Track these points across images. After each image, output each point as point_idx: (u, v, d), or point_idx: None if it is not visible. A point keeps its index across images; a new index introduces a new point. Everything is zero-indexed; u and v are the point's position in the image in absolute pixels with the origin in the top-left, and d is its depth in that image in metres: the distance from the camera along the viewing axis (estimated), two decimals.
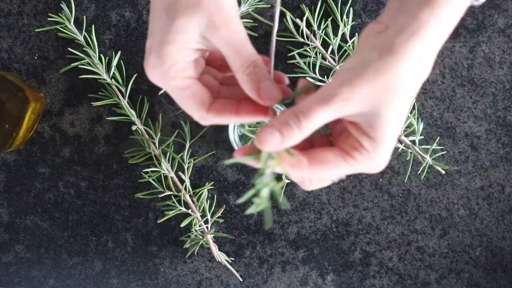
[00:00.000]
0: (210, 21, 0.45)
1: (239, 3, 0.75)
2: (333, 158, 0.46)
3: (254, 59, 0.46)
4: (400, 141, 0.76)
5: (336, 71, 0.45)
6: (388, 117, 0.44)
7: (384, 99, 0.44)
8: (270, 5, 0.76)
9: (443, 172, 0.76)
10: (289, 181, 0.77)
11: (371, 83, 0.43)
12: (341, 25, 0.74)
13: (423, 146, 0.75)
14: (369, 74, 0.43)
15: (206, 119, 0.48)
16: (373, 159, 0.45)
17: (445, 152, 0.76)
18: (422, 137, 0.76)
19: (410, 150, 0.75)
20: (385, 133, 0.45)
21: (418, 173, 0.76)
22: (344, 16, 0.75)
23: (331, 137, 0.50)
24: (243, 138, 0.75)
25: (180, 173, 0.76)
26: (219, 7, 0.45)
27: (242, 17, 0.75)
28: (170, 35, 0.45)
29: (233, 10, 0.46)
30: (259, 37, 0.76)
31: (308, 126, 0.44)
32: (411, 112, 0.75)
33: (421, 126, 0.75)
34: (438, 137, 0.76)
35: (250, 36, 0.75)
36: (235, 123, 0.72)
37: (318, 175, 0.46)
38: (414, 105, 0.76)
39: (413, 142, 0.75)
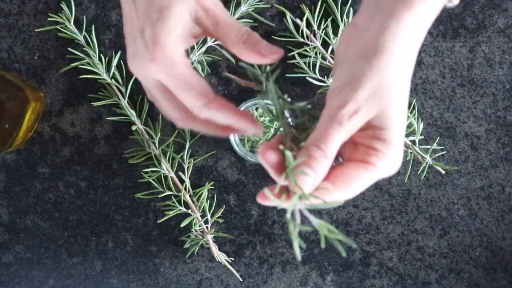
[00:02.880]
0: (200, 5, 0.46)
1: (239, 3, 0.75)
2: (354, 172, 0.45)
3: (246, 29, 0.47)
4: None
5: (330, 90, 0.45)
6: (393, 116, 0.45)
7: (385, 101, 0.44)
8: (270, 5, 0.76)
9: (443, 172, 0.76)
10: None
11: (370, 91, 0.44)
12: (341, 25, 0.74)
13: (423, 146, 0.75)
14: (365, 85, 0.44)
15: (208, 108, 0.47)
16: (390, 159, 0.46)
17: (445, 152, 0.76)
18: (422, 137, 0.76)
19: (410, 150, 0.75)
20: (394, 132, 0.45)
21: (418, 173, 0.76)
22: (344, 16, 0.75)
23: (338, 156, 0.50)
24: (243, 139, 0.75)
25: (180, 173, 0.76)
26: None
27: (242, 17, 0.75)
28: (166, 22, 0.45)
29: None
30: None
31: (332, 152, 0.44)
32: (411, 112, 0.75)
33: (421, 126, 0.75)
34: (438, 137, 0.76)
35: None
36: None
37: (345, 194, 0.46)
38: (414, 105, 0.76)
39: (413, 142, 0.75)
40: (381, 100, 0.44)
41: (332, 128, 0.44)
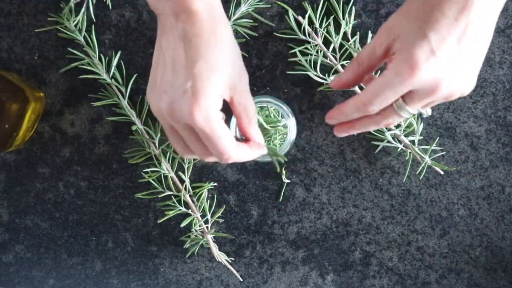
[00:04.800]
0: (236, 80, 0.56)
1: (239, 3, 0.75)
2: (382, 77, 0.54)
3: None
4: (399, 141, 0.76)
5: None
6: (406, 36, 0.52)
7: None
8: (270, 5, 0.76)
9: (442, 172, 0.76)
10: (289, 181, 0.77)
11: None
12: (343, 23, 0.74)
13: (422, 147, 0.75)
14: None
15: (229, 160, 0.56)
16: (398, 60, 0.52)
17: (445, 152, 0.76)
18: (422, 137, 0.76)
19: (409, 150, 0.75)
20: (403, 42, 0.53)
21: (417, 173, 0.76)
22: (346, 15, 0.75)
23: None
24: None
25: (180, 173, 0.76)
26: (242, 75, 0.57)
27: (242, 17, 0.75)
28: (213, 83, 0.53)
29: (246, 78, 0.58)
30: (259, 37, 0.76)
31: (362, 57, 0.57)
32: None
33: (421, 126, 0.75)
34: (438, 137, 0.76)
35: (250, 36, 0.76)
36: (236, 123, 0.72)
37: (375, 95, 0.54)
38: None
39: (413, 142, 0.75)
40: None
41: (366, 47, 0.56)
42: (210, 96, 0.53)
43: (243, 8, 0.75)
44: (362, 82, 0.60)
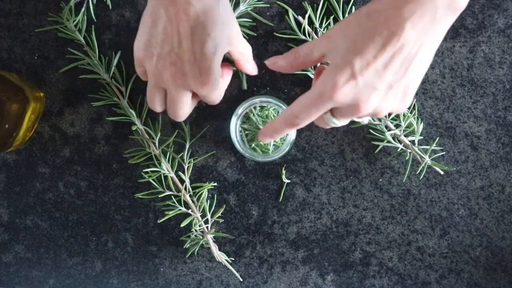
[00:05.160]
0: (231, 35, 0.63)
1: (238, 3, 0.75)
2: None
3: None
4: (399, 141, 0.76)
5: None
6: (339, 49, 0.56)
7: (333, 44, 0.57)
8: (269, 5, 0.76)
9: (442, 172, 0.76)
10: (289, 181, 0.77)
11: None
12: None
13: (422, 147, 0.75)
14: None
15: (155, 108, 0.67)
16: (322, 78, 0.55)
17: (445, 152, 0.76)
18: (422, 137, 0.76)
19: (409, 150, 0.75)
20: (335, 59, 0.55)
21: (417, 173, 0.76)
22: (346, 15, 0.75)
23: None
24: (245, 134, 0.75)
25: (180, 173, 0.76)
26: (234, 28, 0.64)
27: (240, 17, 0.75)
28: (218, 57, 0.61)
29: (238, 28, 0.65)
30: (259, 37, 0.76)
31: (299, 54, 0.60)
32: (411, 112, 0.75)
33: (421, 126, 0.75)
34: (438, 137, 0.76)
35: (249, 35, 0.76)
36: (236, 122, 0.73)
37: (301, 111, 0.57)
38: (414, 105, 0.76)
39: (413, 142, 0.75)
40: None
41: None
42: (216, 68, 0.61)
43: (242, 8, 0.75)
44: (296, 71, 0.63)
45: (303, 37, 0.75)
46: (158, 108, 0.67)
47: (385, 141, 0.75)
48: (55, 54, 0.76)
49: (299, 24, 0.75)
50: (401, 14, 0.50)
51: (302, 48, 0.59)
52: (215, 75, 0.61)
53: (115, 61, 0.75)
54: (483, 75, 0.76)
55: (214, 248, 0.76)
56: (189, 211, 0.76)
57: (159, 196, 0.76)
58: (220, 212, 0.76)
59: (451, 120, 0.76)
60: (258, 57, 0.75)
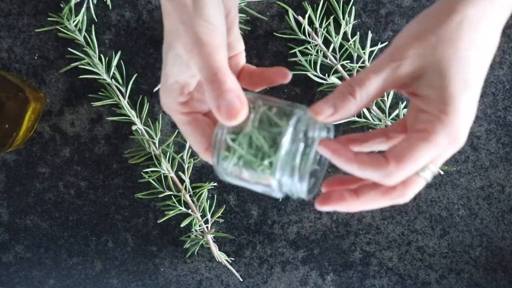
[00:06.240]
0: (185, 47, 0.44)
1: None
2: (411, 144, 0.42)
3: (218, 71, 0.43)
4: None
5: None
6: (448, 73, 0.41)
7: (439, 53, 0.42)
8: (266, 1, 0.76)
9: (442, 172, 0.76)
10: None
11: (422, 38, 0.42)
12: (343, 23, 0.74)
13: None
14: (420, 32, 0.42)
15: (205, 157, 0.48)
16: (446, 124, 0.41)
17: None
18: None
19: None
20: (450, 91, 0.41)
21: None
22: (346, 15, 0.75)
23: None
24: None
25: (180, 173, 0.76)
26: (191, 32, 0.43)
27: None
28: (166, 69, 0.46)
29: (205, 29, 0.43)
30: (259, 37, 0.76)
31: (362, 93, 0.43)
32: None
33: None
34: None
35: (249, 35, 0.75)
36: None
37: (410, 170, 0.43)
38: None
39: None
40: (433, 50, 0.41)
41: (370, 71, 0.42)
42: (165, 88, 0.48)
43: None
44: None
45: (303, 37, 0.75)
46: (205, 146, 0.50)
47: None
48: (55, 54, 0.76)
49: (299, 24, 0.75)
50: None
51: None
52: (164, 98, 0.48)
53: (115, 61, 0.75)
54: None
55: (214, 248, 0.76)
56: (189, 211, 0.76)
57: (159, 196, 0.76)
58: (220, 212, 0.76)
59: None
60: (259, 57, 0.75)
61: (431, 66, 0.42)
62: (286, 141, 0.43)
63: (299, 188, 0.45)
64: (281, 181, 0.44)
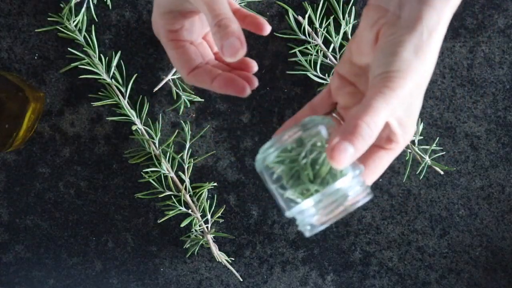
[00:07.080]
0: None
1: None
2: (377, 155, 0.50)
3: (223, 17, 0.50)
4: None
5: (375, 73, 0.46)
6: (415, 111, 0.48)
7: (414, 96, 0.46)
8: (265, 0, 0.76)
9: (442, 172, 0.76)
10: None
11: (410, 84, 0.45)
12: (343, 23, 0.75)
13: (422, 146, 0.75)
14: (412, 76, 0.45)
15: (187, 79, 0.55)
16: (406, 139, 0.49)
17: (445, 152, 0.76)
18: (422, 137, 0.76)
19: (409, 150, 0.75)
20: (412, 122, 0.48)
21: (417, 173, 0.76)
22: (346, 15, 0.75)
23: None
24: None
25: (180, 173, 0.76)
26: None
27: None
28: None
29: None
30: (259, 37, 0.76)
31: (377, 130, 0.44)
32: None
33: (421, 126, 0.75)
34: (438, 137, 0.76)
35: (249, 35, 0.75)
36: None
37: (374, 176, 0.50)
38: None
39: (413, 142, 0.75)
40: (412, 93, 0.46)
41: (381, 106, 0.44)
42: (156, 16, 0.56)
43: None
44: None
45: (303, 37, 0.75)
46: (179, 72, 0.58)
47: None
48: (55, 54, 0.76)
49: (299, 24, 0.75)
50: None
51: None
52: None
53: (115, 61, 0.75)
54: (483, 75, 0.76)
55: (214, 248, 0.76)
56: (189, 211, 0.76)
57: (159, 196, 0.76)
58: (220, 212, 0.76)
59: (451, 120, 0.76)
60: (259, 57, 0.75)
61: (408, 105, 0.47)
62: (341, 183, 0.43)
63: (313, 226, 0.44)
64: (308, 210, 0.43)
